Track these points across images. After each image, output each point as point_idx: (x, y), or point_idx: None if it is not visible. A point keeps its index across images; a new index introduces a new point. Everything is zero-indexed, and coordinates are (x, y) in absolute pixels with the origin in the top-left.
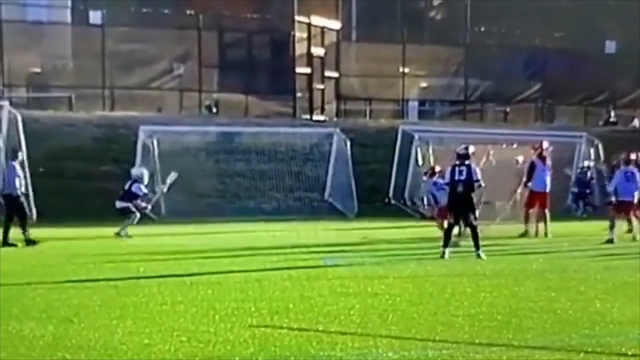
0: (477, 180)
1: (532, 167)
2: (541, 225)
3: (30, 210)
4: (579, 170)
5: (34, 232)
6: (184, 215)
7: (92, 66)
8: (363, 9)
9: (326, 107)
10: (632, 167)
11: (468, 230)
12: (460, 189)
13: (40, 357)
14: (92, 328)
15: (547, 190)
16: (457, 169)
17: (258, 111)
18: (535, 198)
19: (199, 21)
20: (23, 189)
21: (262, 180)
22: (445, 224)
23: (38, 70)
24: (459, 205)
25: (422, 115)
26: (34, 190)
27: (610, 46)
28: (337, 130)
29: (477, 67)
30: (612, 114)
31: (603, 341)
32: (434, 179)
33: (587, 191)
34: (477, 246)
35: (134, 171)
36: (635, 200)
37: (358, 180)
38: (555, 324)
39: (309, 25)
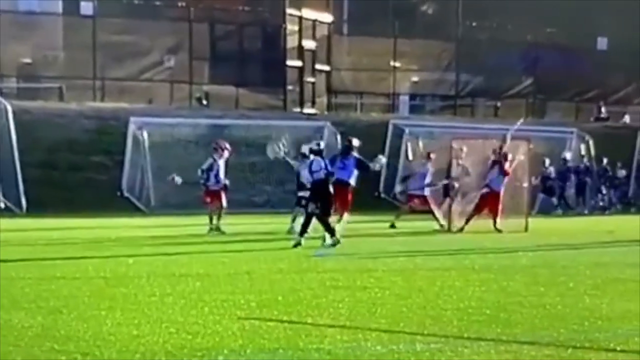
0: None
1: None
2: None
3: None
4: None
5: (24, 223)
6: (174, 207)
7: (83, 57)
8: (355, 3)
9: (317, 100)
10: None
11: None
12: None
13: (28, 348)
14: (81, 319)
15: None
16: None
17: (249, 104)
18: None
19: (190, 13)
20: None
21: (253, 173)
22: None
23: (29, 60)
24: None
25: (412, 109)
26: (24, 181)
27: (602, 42)
28: (328, 123)
29: (469, 62)
30: (603, 110)
31: (592, 337)
32: None
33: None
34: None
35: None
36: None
37: None
38: (544, 319)
39: (300, 18)
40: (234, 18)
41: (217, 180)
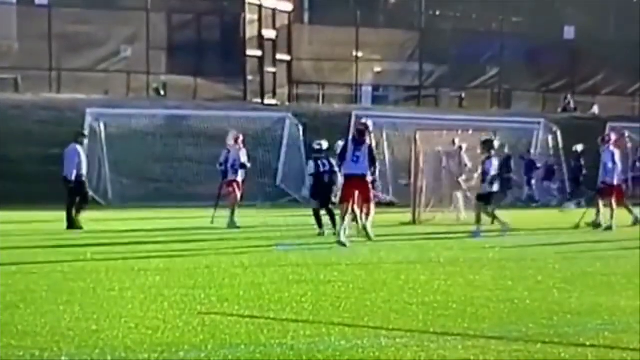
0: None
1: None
2: None
3: None
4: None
5: None
6: (132, 200)
7: (39, 48)
8: None
9: (278, 91)
10: None
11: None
12: (326, 179)
13: None
14: (39, 314)
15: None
16: (319, 162)
17: (207, 94)
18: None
19: (147, 2)
20: (84, 172)
21: (212, 165)
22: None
23: None
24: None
25: (376, 100)
26: None
27: (569, 31)
28: (290, 114)
29: (432, 52)
30: (571, 100)
31: (561, 331)
32: None
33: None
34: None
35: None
36: None
37: None
38: (512, 313)
39: (260, 7)
40: (192, 7)
41: (235, 172)
